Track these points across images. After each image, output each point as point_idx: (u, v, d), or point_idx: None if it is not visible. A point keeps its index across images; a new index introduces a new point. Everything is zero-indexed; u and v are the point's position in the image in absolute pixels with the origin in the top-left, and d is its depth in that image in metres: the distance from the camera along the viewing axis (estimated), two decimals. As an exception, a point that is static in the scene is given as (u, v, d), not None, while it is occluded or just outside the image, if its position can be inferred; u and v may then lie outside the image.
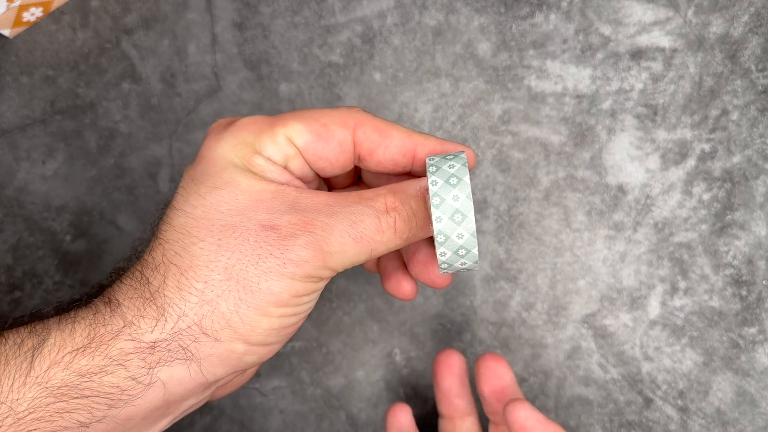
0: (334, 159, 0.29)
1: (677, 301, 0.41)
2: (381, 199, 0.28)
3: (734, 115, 0.41)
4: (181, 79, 0.42)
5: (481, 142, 0.41)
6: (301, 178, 0.30)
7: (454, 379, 0.36)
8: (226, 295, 0.26)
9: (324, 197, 0.28)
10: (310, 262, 0.27)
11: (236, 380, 0.33)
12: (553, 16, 0.41)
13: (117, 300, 0.27)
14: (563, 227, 0.41)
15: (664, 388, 0.40)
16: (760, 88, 0.40)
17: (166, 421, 0.28)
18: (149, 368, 0.26)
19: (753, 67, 0.41)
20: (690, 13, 0.41)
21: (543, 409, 0.41)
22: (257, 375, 0.41)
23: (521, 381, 0.41)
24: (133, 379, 0.26)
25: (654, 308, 0.41)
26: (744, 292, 0.40)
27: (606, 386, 0.41)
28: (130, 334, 0.26)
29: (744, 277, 0.40)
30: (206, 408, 0.41)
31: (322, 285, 0.28)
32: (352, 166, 0.31)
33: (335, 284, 0.42)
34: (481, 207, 0.41)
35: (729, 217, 0.41)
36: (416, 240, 0.30)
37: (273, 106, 0.41)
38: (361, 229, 0.27)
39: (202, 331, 0.27)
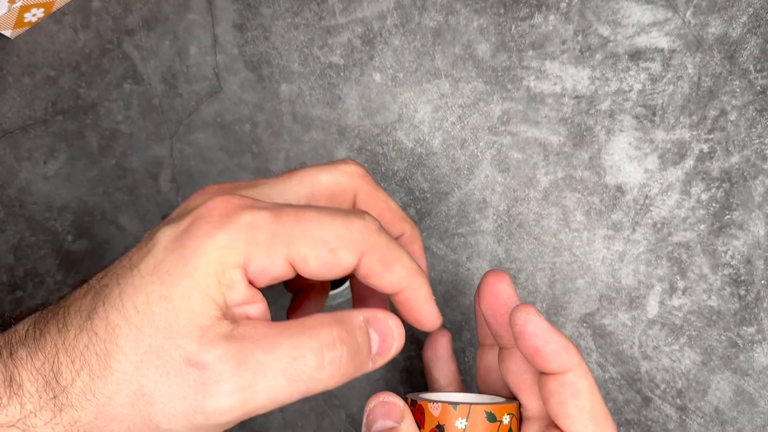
0: (331, 278, 0.27)
1: (676, 301, 0.41)
2: (326, 329, 0.25)
3: (732, 116, 0.41)
4: (183, 80, 0.42)
5: (481, 143, 0.42)
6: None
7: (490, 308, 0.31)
8: (123, 418, 0.24)
9: (263, 328, 0.25)
10: (225, 415, 0.24)
11: None
12: (552, 17, 0.41)
13: (20, 379, 0.25)
14: (562, 227, 0.41)
15: (663, 387, 0.41)
16: (758, 88, 0.41)
17: None
18: None
19: (751, 68, 0.41)
20: (689, 13, 0.41)
21: (542, 408, 0.41)
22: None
23: (520, 380, 0.41)
24: None
25: (653, 308, 0.41)
26: (742, 292, 0.40)
27: (605, 385, 0.41)
28: (24, 423, 0.24)
29: (742, 277, 0.40)
30: (207, 407, 0.42)
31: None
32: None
33: (335, 284, 0.42)
34: (480, 207, 0.42)
35: (727, 217, 0.41)
36: (355, 376, 0.27)
37: (273, 107, 0.42)
38: (300, 367, 0.25)
39: None
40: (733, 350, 0.40)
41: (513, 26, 0.41)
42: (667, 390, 0.41)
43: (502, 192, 0.41)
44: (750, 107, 0.41)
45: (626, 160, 0.41)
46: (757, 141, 0.41)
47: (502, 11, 0.41)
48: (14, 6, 0.39)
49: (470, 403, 0.28)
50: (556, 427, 0.28)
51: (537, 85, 0.41)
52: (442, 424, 0.28)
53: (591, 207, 0.41)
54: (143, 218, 0.42)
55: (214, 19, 0.42)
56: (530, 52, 0.41)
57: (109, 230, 0.42)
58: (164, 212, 0.42)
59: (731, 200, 0.41)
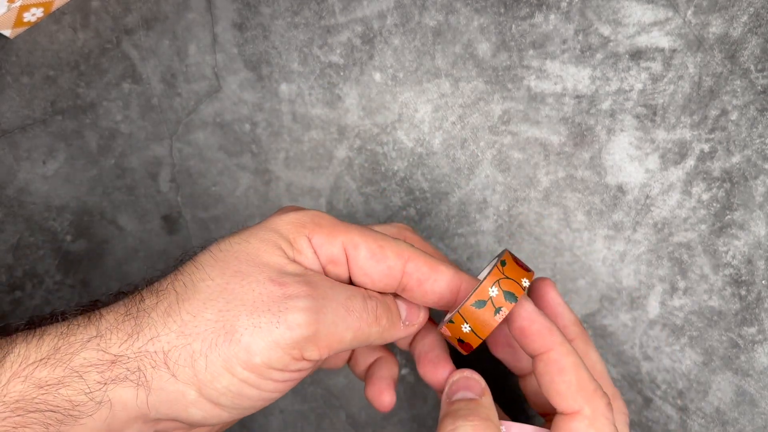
0: (378, 279, 0.31)
1: (677, 301, 0.41)
2: (365, 291, 0.31)
3: (733, 115, 0.41)
4: (182, 80, 0.42)
5: (481, 142, 0.41)
6: None
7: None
8: (206, 335, 0.27)
9: (326, 278, 0.30)
10: (302, 328, 0.27)
11: None
12: (552, 17, 0.41)
13: (101, 313, 0.28)
14: (563, 227, 0.41)
15: (664, 387, 0.41)
16: (759, 88, 0.41)
17: None
18: (104, 384, 0.26)
19: (752, 68, 0.41)
20: (689, 13, 0.41)
21: (543, 409, 0.41)
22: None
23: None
24: (87, 394, 0.26)
25: (653, 308, 0.41)
26: (743, 292, 0.40)
27: (605, 386, 0.41)
28: (98, 344, 0.26)
29: (743, 277, 0.40)
30: (206, 408, 0.41)
31: (294, 369, 0.29)
32: (391, 291, 0.32)
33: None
34: (480, 207, 0.41)
35: (728, 217, 0.41)
36: (392, 337, 0.32)
37: (273, 107, 0.42)
38: (353, 303, 0.30)
39: (165, 360, 0.27)
40: (734, 351, 0.40)
41: (513, 25, 0.41)
42: (668, 390, 0.41)
43: (502, 192, 0.41)
44: (751, 107, 0.41)
45: (627, 159, 0.41)
46: (758, 141, 0.41)
47: (502, 10, 0.41)
48: (13, 6, 0.39)
49: (457, 310, 0.30)
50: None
51: (537, 84, 0.41)
52: (457, 337, 0.31)
53: (592, 207, 0.41)
54: (142, 218, 0.42)
55: (214, 19, 0.42)
56: (531, 52, 0.41)
57: (108, 230, 0.42)
58: (163, 212, 0.42)
59: (732, 200, 0.41)
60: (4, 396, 0.25)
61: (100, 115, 0.42)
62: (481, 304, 0.29)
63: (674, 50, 0.41)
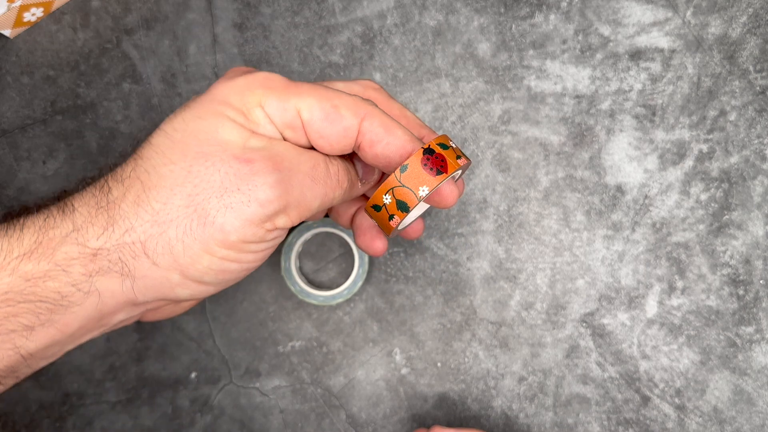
0: (335, 141, 0.30)
1: (675, 301, 0.41)
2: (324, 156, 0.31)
3: (732, 116, 0.41)
4: (182, 80, 0.42)
5: (481, 142, 0.42)
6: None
7: None
8: (179, 221, 0.27)
9: (290, 145, 0.30)
10: (272, 203, 0.28)
11: (168, 309, 0.33)
12: (552, 17, 0.41)
13: (73, 205, 0.28)
14: (562, 227, 0.41)
15: (662, 386, 0.41)
16: (758, 88, 0.41)
17: (98, 332, 0.29)
18: (89, 276, 0.27)
19: (751, 68, 0.41)
20: (689, 13, 0.41)
21: (541, 408, 0.41)
22: (257, 375, 0.42)
23: (520, 380, 0.41)
24: (74, 286, 0.27)
25: (652, 307, 0.41)
26: (741, 292, 0.41)
27: (604, 384, 0.41)
28: (76, 239, 0.27)
29: (741, 277, 0.41)
30: (206, 408, 0.42)
31: (270, 239, 0.29)
32: (349, 151, 0.31)
33: (335, 284, 0.42)
34: (480, 207, 0.42)
35: (726, 217, 0.41)
36: (352, 196, 0.32)
37: (273, 107, 0.42)
38: (317, 172, 0.30)
39: (144, 250, 0.27)
40: (732, 350, 0.41)
41: (513, 25, 0.41)
42: (666, 389, 0.41)
43: (502, 192, 0.41)
44: (749, 107, 0.41)
45: (626, 160, 0.41)
46: (756, 141, 0.41)
47: (502, 10, 0.41)
48: (13, 5, 0.39)
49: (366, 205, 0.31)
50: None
51: (537, 84, 0.41)
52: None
53: (591, 207, 0.41)
54: (143, 218, 0.42)
55: (214, 19, 0.42)
56: (531, 52, 0.41)
57: (109, 230, 0.42)
58: (164, 212, 0.42)
59: (730, 200, 0.41)
60: None
61: (100, 115, 0.42)
62: (377, 208, 0.30)
63: (673, 51, 0.41)
